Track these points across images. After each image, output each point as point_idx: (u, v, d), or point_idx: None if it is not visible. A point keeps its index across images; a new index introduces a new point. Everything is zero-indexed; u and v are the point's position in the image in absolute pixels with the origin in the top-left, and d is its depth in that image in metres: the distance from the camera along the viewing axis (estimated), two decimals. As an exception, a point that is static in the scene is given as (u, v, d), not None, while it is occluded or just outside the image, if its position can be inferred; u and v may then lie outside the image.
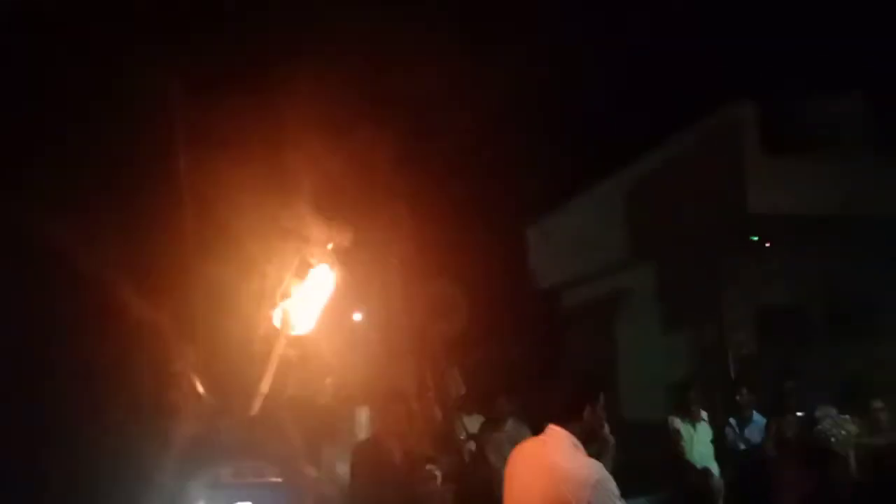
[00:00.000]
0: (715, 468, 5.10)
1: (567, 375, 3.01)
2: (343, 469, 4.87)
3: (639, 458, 4.74)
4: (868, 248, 9.90)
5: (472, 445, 5.76)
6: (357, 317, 9.53)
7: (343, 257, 4.72)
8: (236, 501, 1.79)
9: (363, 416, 5.95)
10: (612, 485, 2.69)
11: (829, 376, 6.66)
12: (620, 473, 3.31)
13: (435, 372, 6.08)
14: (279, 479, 2.92)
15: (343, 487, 4.79)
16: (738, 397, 5.70)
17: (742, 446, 5.40)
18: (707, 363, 10.99)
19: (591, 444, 2.85)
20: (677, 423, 5.64)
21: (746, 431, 5.46)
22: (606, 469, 2.76)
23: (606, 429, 2.86)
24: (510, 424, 5.22)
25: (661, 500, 3.18)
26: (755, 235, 10.94)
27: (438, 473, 5.43)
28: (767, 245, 10.94)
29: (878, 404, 4.55)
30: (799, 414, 4.79)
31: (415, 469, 5.07)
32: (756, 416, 5.53)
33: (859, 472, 4.17)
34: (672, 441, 5.44)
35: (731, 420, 5.71)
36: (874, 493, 3.99)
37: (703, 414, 5.49)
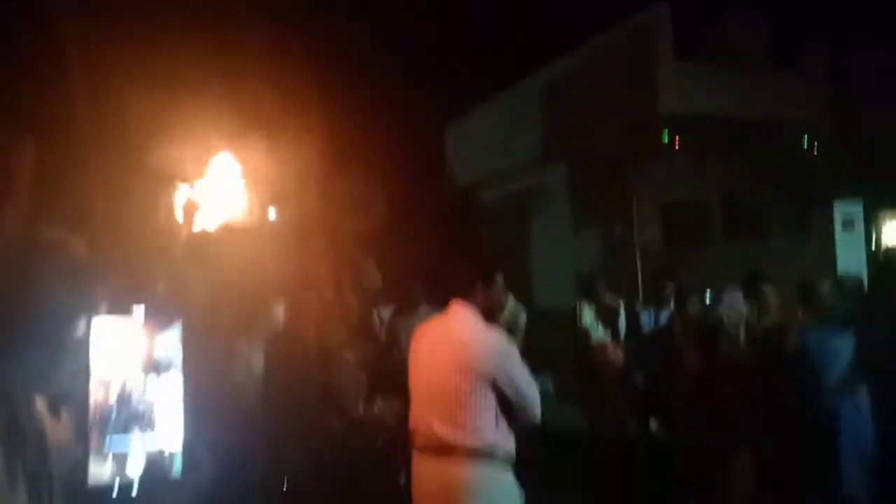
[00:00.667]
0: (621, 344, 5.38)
1: (464, 256, 3.07)
2: (258, 362, 4.83)
3: (549, 342, 4.93)
4: (765, 149, 10.40)
5: (385, 333, 5.82)
6: (271, 214, 9.33)
7: (255, 153, 4.53)
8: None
9: (279, 311, 5.88)
10: (516, 353, 2.76)
11: (727, 267, 7.02)
12: (531, 357, 3.44)
13: (350, 264, 6.03)
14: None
15: (258, 380, 4.75)
16: (657, 287, 5.96)
17: (649, 330, 5.66)
18: (616, 258, 11.43)
19: (494, 320, 2.90)
20: (584, 307, 5.91)
21: (657, 318, 5.72)
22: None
23: (516, 308, 2.95)
24: (423, 311, 5.28)
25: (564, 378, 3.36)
26: (665, 136, 11.24)
27: (353, 362, 5.50)
28: (676, 146, 11.27)
29: (767, 288, 4.84)
30: (707, 293, 5.06)
31: (330, 358, 5.10)
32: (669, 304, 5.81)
33: (749, 349, 4.46)
34: (577, 324, 5.67)
35: (640, 308, 5.98)
36: (760, 368, 4.30)
37: (618, 300, 5.73)
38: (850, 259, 8.98)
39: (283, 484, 4.36)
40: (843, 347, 3.99)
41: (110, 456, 1.67)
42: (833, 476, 4.00)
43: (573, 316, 6.88)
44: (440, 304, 3.08)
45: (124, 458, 1.66)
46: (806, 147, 10.83)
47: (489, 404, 2.71)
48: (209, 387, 4.46)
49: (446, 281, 3.07)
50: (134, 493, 1.69)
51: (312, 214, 7.54)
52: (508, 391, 2.72)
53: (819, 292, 4.34)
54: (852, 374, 3.95)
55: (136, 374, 1.71)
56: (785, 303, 4.68)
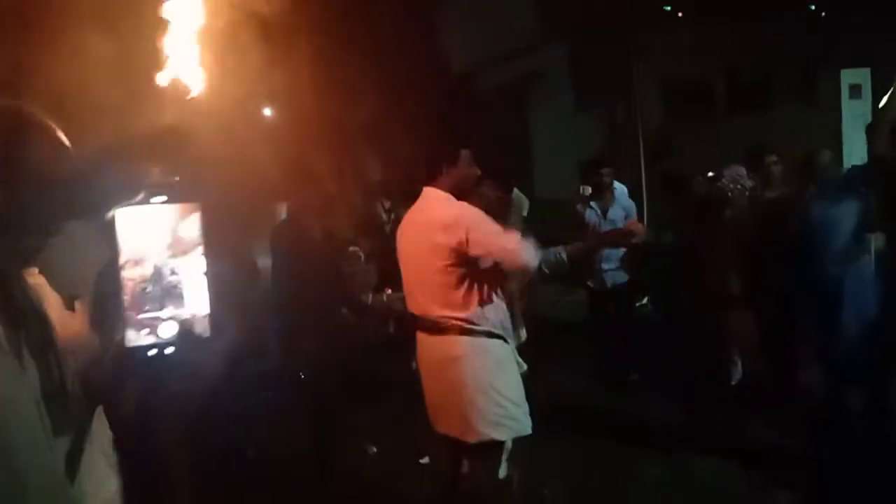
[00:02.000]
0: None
1: (425, 136, 3.01)
2: (265, 259, 4.88)
3: (549, 231, 4.94)
4: (770, 13, 10.01)
5: (393, 225, 5.86)
6: (267, 111, 9.18)
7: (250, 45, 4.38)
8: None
9: (282, 208, 5.89)
10: (480, 214, 2.74)
11: (732, 141, 6.94)
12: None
13: (352, 157, 6.00)
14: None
15: (266, 273, 4.82)
16: (659, 167, 5.95)
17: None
18: (618, 139, 11.30)
19: (469, 198, 2.88)
20: (587, 191, 5.88)
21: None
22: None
23: (518, 198, 2.91)
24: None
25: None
26: (667, 5, 10.84)
27: (362, 254, 5.57)
28: (679, 15, 10.89)
29: (771, 158, 4.80)
30: (710, 174, 5.02)
31: (338, 250, 5.15)
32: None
33: (754, 222, 4.47)
34: (579, 210, 5.66)
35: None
36: (762, 238, 4.32)
37: (619, 185, 5.68)
38: (856, 128, 8.87)
39: (300, 373, 4.50)
40: (847, 216, 3.99)
41: (145, 324, 1.88)
42: (834, 339, 4.10)
43: (576, 202, 6.90)
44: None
45: (157, 325, 1.89)
46: (814, 8, 10.40)
47: (471, 277, 2.74)
48: (227, 271, 4.57)
49: (415, 169, 3.02)
50: (169, 351, 1.89)
51: (311, 106, 7.43)
52: (481, 251, 2.71)
53: (823, 161, 4.30)
54: (856, 243, 3.96)
55: (163, 256, 1.89)
56: (790, 173, 4.64)
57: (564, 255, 3.23)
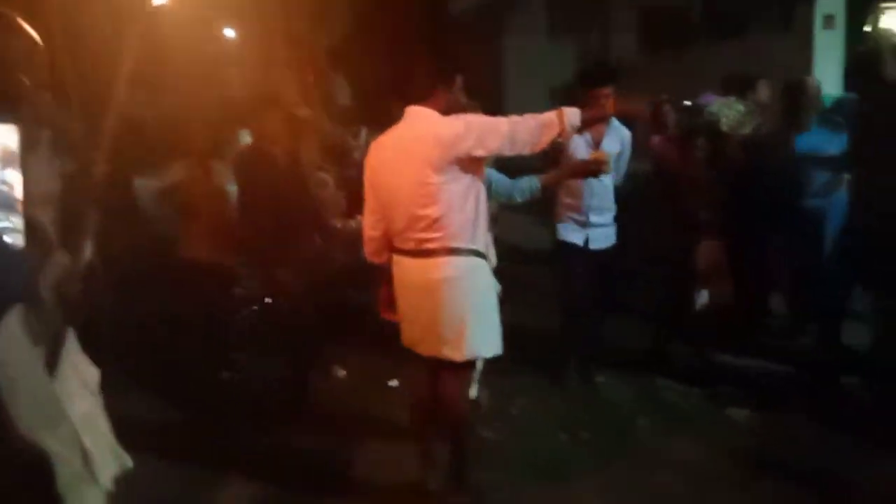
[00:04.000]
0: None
1: (420, 56, 2.92)
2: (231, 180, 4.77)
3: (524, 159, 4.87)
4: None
5: (364, 152, 5.76)
6: (229, 32, 8.86)
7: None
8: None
9: (248, 129, 5.74)
10: (484, 116, 2.71)
11: (706, 70, 6.89)
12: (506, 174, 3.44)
13: (319, 79, 5.84)
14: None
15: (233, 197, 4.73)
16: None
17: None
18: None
19: None
20: None
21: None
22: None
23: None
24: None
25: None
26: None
27: (330, 180, 5.48)
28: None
29: (762, 85, 4.73)
30: (686, 103, 4.91)
31: (305, 176, 5.06)
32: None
33: (739, 150, 4.40)
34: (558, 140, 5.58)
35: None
36: (746, 167, 4.32)
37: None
38: (828, 59, 8.85)
39: (267, 297, 4.49)
40: (831, 147, 4.01)
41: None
42: (812, 270, 4.18)
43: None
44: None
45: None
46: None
47: (461, 196, 2.72)
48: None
49: (403, 88, 2.93)
50: None
51: (277, 29, 7.17)
52: (490, 139, 2.66)
53: (812, 90, 4.28)
54: (837, 174, 3.98)
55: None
56: (774, 102, 4.59)
57: (538, 182, 3.22)
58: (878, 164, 3.67)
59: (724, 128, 4.28)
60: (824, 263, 4.11)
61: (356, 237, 4.85)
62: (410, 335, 2.94)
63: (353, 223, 4.91)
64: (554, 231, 4.13)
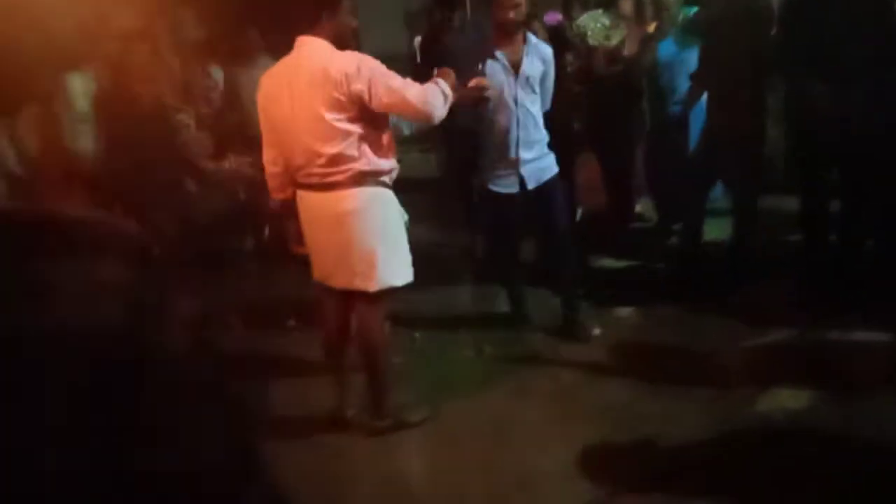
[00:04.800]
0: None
1: None
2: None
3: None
4: None
5: (225, 90, 5.46)
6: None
7: None
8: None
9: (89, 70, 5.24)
10: (384, 67, 2.66)
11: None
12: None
13: (166, 13, 5.39)
14: None
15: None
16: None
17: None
18: None
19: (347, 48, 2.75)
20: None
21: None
22: None
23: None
24: (263, 61, 4.94)
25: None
26: None
27: (191, 121, 5.17)
28: None
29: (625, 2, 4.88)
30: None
31: (163, 119, 4.75)
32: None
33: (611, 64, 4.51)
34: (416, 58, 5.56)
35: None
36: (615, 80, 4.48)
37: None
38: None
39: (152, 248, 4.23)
40: (692, 59, 4.23)
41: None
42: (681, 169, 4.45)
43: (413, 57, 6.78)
44: (283, 49, 2.86)
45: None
46: None
47: (364, 125, 2.67)
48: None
49: (287, 18, 2.81)
50: None
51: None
52: (384, 103, 2.64)
53: (667, 1, 4.47)
54: (699, 81, 4.22)
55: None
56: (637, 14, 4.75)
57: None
58: (724, 71, 3.96)
59: (591, 41, 4.42)
60: (686, 167, 4.41)
61: (235, 177, 4.69)
62: (322, 269, 2.91)
63: (226, 164, 4.71)
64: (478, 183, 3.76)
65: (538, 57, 3.55)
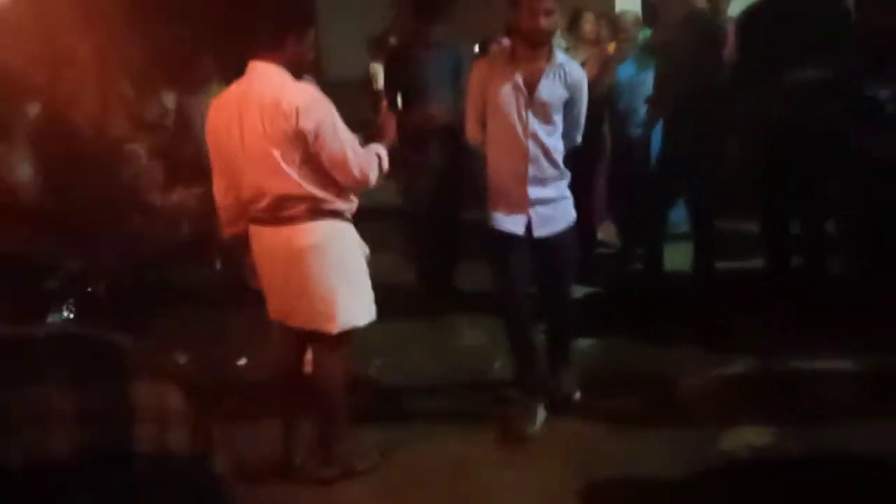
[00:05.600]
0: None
1: (266, 7, 2.64)
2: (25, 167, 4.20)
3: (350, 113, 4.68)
4: None
5: (176, 117, 5.30)
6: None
7: None
8: None
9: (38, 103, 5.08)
10: (332, 108, 2.54)
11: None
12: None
13: (115, 39, 5.24)
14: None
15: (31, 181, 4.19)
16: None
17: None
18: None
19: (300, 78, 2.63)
20: (377, 68, 5.89)
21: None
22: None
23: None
24: (214, 88, 4.81)
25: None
26: None
27: (142, 151, 5.01)
28: None
29: (587, 19, 4.84)
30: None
31: (113, 151, 4.60)
32: None
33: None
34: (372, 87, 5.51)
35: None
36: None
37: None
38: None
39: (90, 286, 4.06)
40: (648, 78, 4.20)
41: None
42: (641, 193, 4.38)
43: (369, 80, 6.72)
44: (236, 75, 2.71)
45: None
46: None
47: (312, 163, 2.53)
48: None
49: (246, 39, 2.65)
50: None
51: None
52: (322, 155, 2.51)
53: (627, 23, 4.43)
54: (655, 104, 4.17)
55: None
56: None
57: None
58: (679, 93, 3.92)
59: None
60: (646, 191, 4.34)
61: (180, 211, 4.53)
62: (279, 307, 2.73)
63: (174, 197, 4.56)
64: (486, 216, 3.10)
65: (562, 80, 2.89)
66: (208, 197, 3.05)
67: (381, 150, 2.73)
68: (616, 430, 3.10)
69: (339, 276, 2.64)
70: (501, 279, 3.12)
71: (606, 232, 5.19)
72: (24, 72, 4.19)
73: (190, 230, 4.49)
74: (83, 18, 4.75)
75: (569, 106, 2.95)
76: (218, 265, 4.68)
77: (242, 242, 2.75)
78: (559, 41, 4.40)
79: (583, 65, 4.42)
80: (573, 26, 4.86)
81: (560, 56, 2.94)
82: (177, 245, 4.40)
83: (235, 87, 2.58)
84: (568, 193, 3.07)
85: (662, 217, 4.28)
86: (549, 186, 2.99)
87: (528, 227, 3.00)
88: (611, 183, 4.83)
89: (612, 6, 8.97)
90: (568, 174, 3.05)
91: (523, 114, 2.88)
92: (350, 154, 2.55)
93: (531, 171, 2.94)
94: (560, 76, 2.89)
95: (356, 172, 2.57)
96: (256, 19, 2.55)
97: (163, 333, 4.15)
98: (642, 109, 4.34)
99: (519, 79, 2.86)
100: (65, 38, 4.55)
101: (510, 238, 3.01)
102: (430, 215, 4.27)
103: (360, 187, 2.66)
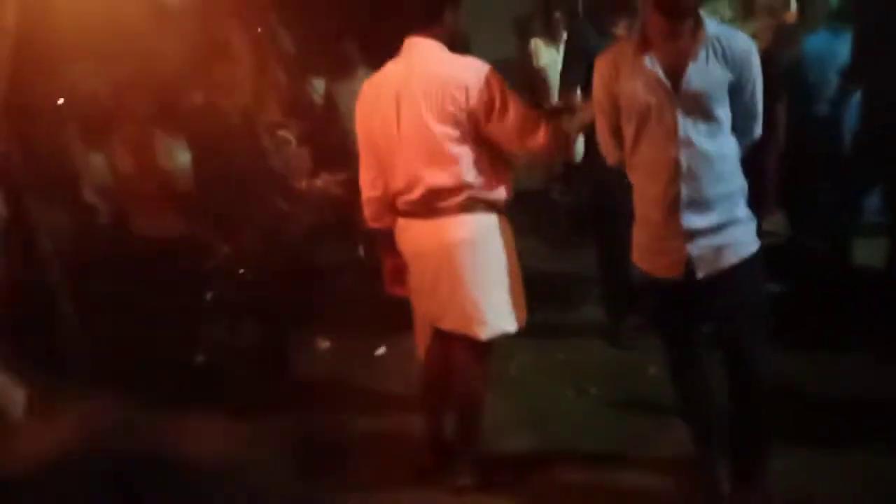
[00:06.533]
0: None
1: None
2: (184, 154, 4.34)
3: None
4: None
5: (323, 103, 5.33)
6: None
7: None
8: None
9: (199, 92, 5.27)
10: (498, 74, 2.35)
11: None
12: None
13: (270, 29, 5.35)
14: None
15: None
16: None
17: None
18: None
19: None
20: (538, 43, 5.68)
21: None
22: None
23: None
24: (362, 72, 4.76)
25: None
26: None
27: (292, 137, 5.08)
28: None
29: None
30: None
31: (265, 136, 4.68)
32: None
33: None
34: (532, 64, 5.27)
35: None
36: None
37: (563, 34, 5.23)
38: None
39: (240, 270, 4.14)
40: (842, 48, 3.68)
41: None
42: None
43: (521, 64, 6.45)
44: (383, 59, 2.57)
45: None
46: None
47: (481, 145, 2.36)
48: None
49: (400, 13, 2.48)
50: None
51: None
52: (502, 131, 2.35)
53: None
54: (853, 75, 3.64)
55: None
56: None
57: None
58: (881, 61, 3.40)
59: None
60: (837, 175, 3.81)
61: (323, 197, 4.54)
62: (428, 309, 2.56)
63: (318, 182, 4.57)
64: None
65: (720, 58, 2.06)
66: (352, 183, 2.98)
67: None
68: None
69: (491, 276, 2.44)
70: (665, 336, 2.38)
71: (770, 221, 4.61)
72: (184, 62, 4.34)
73: (333, 215, 4.49)
74: (240, 9, 4.87)
75: (737, 90, 2.10)
76: (361, 251, 4.65)
77: (387, 240, 2.60)
78: (718, 10, 3.93)
79: (753, 37, 3.94)
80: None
81: (712, 26, 2.08)
82: (320, 230, 4.41)
83: (392, 67, 2.43)
84: (744, 213, 2.18)
85: (855, 206, 3.74)
86: (713, 210, 2.12)
87: (689, 269, 2.16)
88: (785, 168, 4.28)
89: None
90: (743, 185, 2.19)
91: (668, 116, 2.07)
92: (536, 117, 2.39)
93: (685, 192, 2.10)
94: (717, 52, 2.06)
95: (545, 137, 2.39)
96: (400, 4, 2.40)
97: (305, 318, 4.18)
98: (834, 82, 3.79)
99: (657, 68, 2.08)
100: (220, 29, 4.67)
101: (666, 286, 2.22)
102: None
103: (551, 154, 2.52)
